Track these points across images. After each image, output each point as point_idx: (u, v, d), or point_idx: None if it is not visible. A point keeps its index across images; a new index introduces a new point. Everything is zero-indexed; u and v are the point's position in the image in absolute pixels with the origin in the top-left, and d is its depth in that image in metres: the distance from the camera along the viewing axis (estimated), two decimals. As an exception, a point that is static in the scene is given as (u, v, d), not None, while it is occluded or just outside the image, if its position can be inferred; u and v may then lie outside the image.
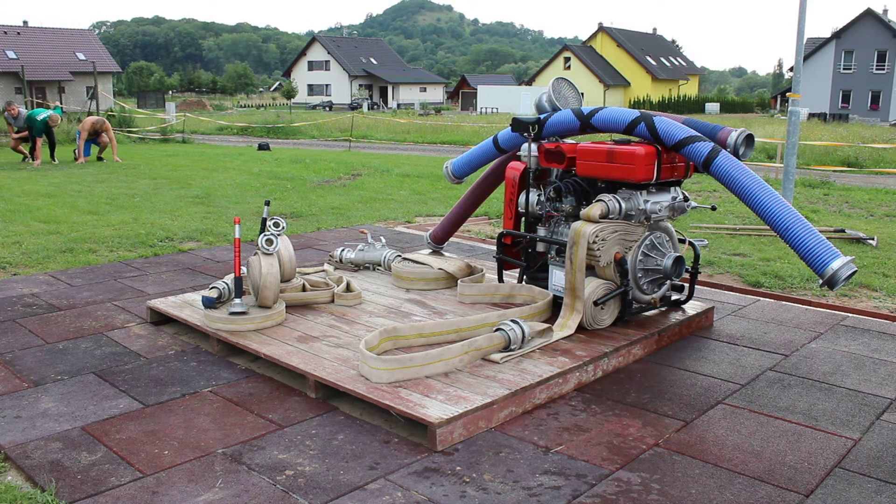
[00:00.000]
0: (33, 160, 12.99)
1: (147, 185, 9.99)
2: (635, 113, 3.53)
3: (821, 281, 3.07)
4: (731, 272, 5.37)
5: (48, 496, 2.27)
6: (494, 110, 48.95)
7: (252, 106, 58.62)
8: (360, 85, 65.76)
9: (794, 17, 8.35)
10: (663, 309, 3.97)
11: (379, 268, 4.81)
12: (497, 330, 3.30)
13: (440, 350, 3.07)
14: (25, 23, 48.48)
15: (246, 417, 2.86)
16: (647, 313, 3.88)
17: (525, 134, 3.97)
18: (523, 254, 4.09)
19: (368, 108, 52.93)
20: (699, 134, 3.43)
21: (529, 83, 65.08)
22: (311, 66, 69.11)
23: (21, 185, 9.66)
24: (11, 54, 42.00)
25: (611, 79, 61.89)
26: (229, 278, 3.96)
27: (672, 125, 3.44)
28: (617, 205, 3.58)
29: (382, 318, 3.80)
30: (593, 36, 66.34)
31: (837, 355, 3.61)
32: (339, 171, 12.33)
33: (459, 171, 4.88)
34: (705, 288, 4.82)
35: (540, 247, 3.97)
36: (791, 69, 16.46)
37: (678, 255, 3.69)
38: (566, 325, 3.54)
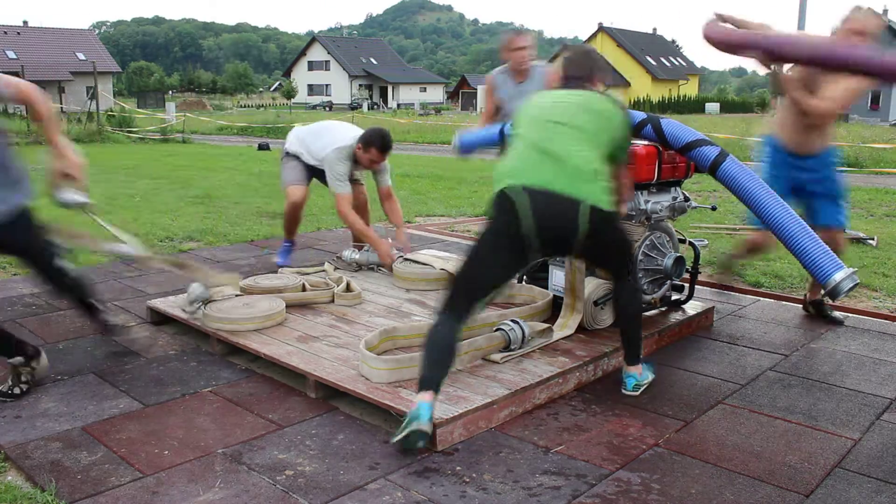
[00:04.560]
0: None
1: (147, 185, 9.99)
2: (642, 115, 3.52)
3: (822, 291, 3.07)
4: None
5: (48, 496, 2.27)
6: (494, 110, 48.80)
7: (252, 106, 58.66)
8: (360, 85, 65.78)
9: (794, 17, 8.35)
10: (663, 309, 3.97)
11: (382, 269, 4.80)
12: (497, 330, 3.30)
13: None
14: (25, 23, 48.50)
15: (246, 417, 2.86)
16: (647, 313, 3.88)
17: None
18: (523, 254, 4.08)
19: (368, 108, 52.95)
20: (706, 137, 3.39)
21: (529, 83, 64.82)
22: (311, 66, 69.14)
23: (21, 185, 9.65)
24: (11, 54, 41.99)
25: (611, 79, 61.85)
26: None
27: (679, 128, 3.41)
28: (617, 205, 3.58)
29: (382, 318, 3.80)
30: (593, 36, 66.28)
31: (837, 355, 3.61)
32: (339, 171, 12.31)
33: (466, 147, 4.62)
34: (705, 288, 4.81)
35: (540, 247, 3.97)
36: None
37: (678, 255, 3.69)
38: (566, 325, 3.54)
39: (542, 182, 2.70)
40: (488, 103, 4.66)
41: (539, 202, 2.66)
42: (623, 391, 3.11)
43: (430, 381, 2.60)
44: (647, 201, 3.63)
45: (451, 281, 2.82)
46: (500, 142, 4.31)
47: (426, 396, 2.56)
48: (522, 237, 2.69)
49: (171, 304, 4.00)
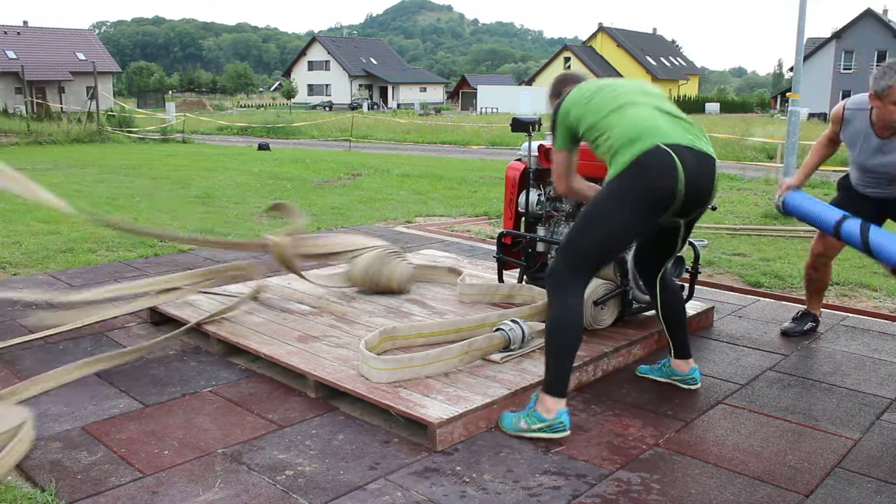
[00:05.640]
0: None
1: (147, 185, 9.99)
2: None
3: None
4: (731, 272, 5.37)
5: (48, 496, 2.27)
6: (494, 110, 48.97)
7: (252, 106, 58.65)
8: (360, 85, 65.76)
9: (794, 17, 8.35)
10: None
11: None
12: (497, 330, 3.30)
13: (440, 350, 3.07)
14: (25, 23, 48.47)
15: (246, 417, 2.86)
16: (647, 313, 3.88)
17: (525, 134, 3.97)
18: (523, 254, 4.09)
19: (368, 108, 52.94)
20: None
21: (529, 83, 65.14)
22: (311, 66, 69.12)
23: (21, 185, 9.65)
24: (11, 54, 41.97)
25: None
26: None
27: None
28: (617, 205, 3.57)
29: (382, 317, 3.80)
30: (593, 36, 66.40)
31: (837, 355, 3.61)
32: (339, 171, 12.33)
33: (791, 211, 3.60)
34: (705, 288, 4.82)
35: (540, 247, 3.97)
36: (791, 69, 16.46)
37: (678, 255, 3.69)
38: (566, 325, 3.53)
39: (684, 140, 2.63)
40: (829, 131, 3.71)
41: (689, 159, 2.59)
42: (694, 386, 3.17)
43: (566, 385, 2.68)
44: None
45: (578, 247, 2.70)
46: (832, 233, 3.35)
47: (564, 404, 2.66)
48: (675, 195, 2.59)
49: (171, 304, 4.00)
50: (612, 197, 2.64)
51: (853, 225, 3.18)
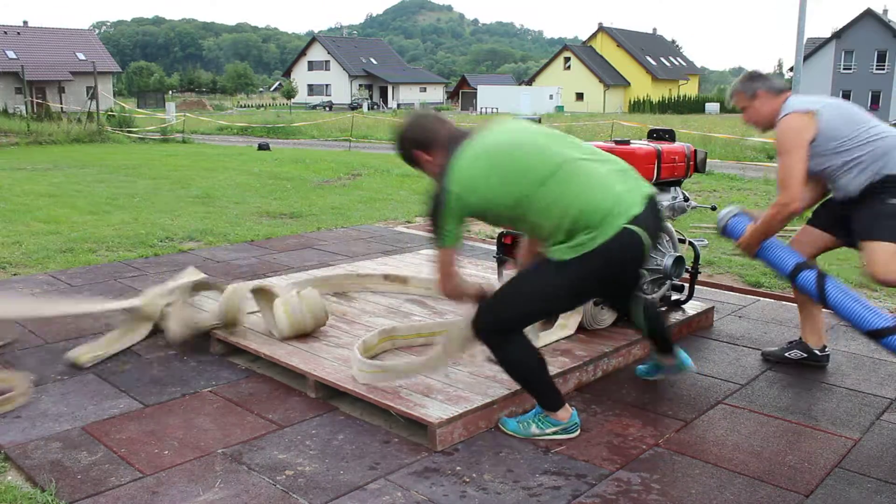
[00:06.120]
0: None
1: (147, 185, 9.99)
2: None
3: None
4: (731, 272, 5.37)
5: (48, 496, 2.28)
6: (494, 110, 48.99)
7: (252, 106, 58.64)
8: (360, 85, 65.76)
9: (794, 17, 8.35)
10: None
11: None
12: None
13: (424, 354, 3.04)
14: (25, 23, 48.46)
15: (246, 417, 2.86)
16: (647, 313, 3.87)
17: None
18: (523, 254, 4.08)
19: (368, 108, 52.94)
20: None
21: (529, 83, 65.16)
22: (311, 66, 69.12)
23: (21, 185, 9.66)
24: (11, 54, 41.95)
25: (611, 79, 61.97)
26: None
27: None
28: (617, 205, 3.56)
29: (382, 318, 3.80)
30: (593, 36, 66.41)
31: (837, 355, 3.61)
32: (339, 171, 12.33)
33: (730, 233, 3.58)
34: (705, 288, 4.81)
35: (540, 247, 3.97)
36: (791, 69, 16.47)
37: (678, 254, 3.69)
38: (566, 325, 3.54)
39: (639, 195, 2.43)
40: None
41: (649, 220, 2.42)
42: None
43: (559, 393, 2.75)
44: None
45: (512, 313, 2.55)
46: (787, 277, 3.27)
47: (569, 406, 2.76)
48: (642, 267, 2.59)
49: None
50: (566, 277, 2.41)
51: (809, 276, 3.08)
